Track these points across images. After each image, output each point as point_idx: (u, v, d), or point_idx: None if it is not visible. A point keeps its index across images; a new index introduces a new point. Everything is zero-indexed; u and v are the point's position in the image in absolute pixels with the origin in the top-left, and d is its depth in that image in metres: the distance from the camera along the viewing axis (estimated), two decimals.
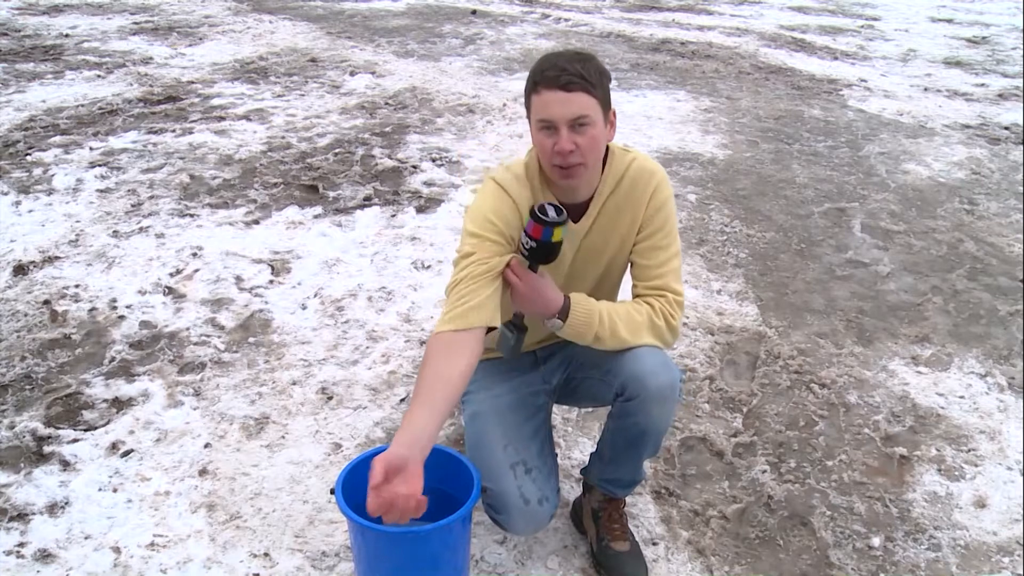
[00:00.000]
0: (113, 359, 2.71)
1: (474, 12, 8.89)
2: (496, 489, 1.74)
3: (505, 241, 1.71)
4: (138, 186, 4.06)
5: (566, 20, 8.76)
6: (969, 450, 2.44)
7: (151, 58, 6.58)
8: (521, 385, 1.92)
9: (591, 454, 1.99)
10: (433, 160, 4.49)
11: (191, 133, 4.81)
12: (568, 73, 1.59)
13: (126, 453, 2.29)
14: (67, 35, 7.27)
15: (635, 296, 1.80)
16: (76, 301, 3.04)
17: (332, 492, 1.70)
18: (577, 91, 1.59)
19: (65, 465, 2.24)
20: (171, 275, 3.24)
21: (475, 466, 1.81)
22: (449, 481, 1.80)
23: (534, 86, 1.64)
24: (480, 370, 1.97)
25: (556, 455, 1.93)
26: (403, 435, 1.48)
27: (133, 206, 3.84)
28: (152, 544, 1.99)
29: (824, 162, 4.75)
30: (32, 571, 1.91)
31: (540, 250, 1.65)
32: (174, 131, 4.85)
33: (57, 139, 4.64)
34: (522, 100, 1.75)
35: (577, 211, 1.77)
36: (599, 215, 1.78)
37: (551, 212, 1.63)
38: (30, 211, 3.76)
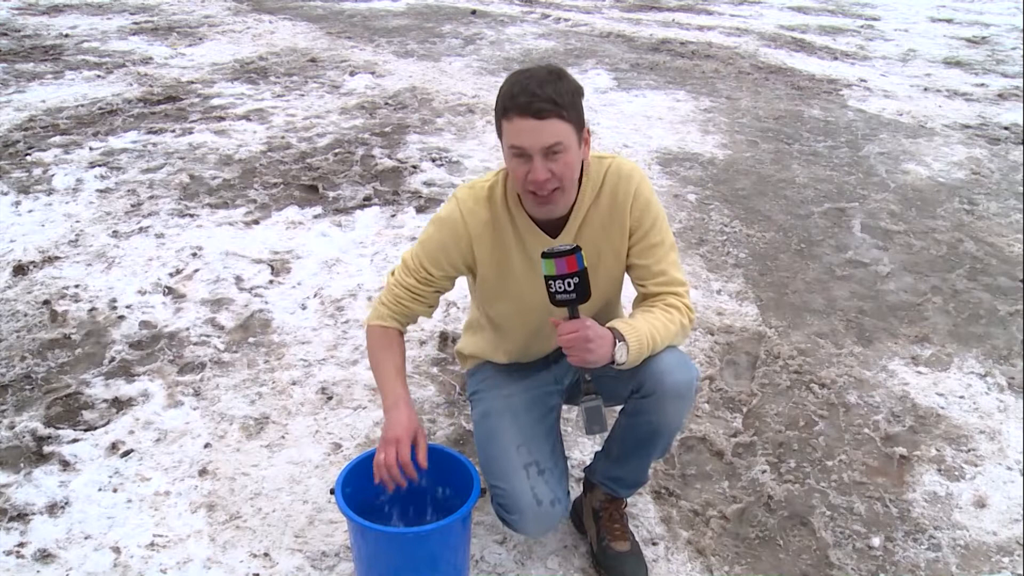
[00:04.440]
0: (113, 359, 2.71)
1: (474, 12, 8.89)
2: (508, 489, 1.74)
3: (437, 271, 1.79)
4: (138, 186, 4.06)
5: (566, 20, 8.76)
6: (969, 450, 2.44)
7: (151, 58, 6.58)
8: (532, 385, 1.91)
9: (596, 452, 1.99)
10: (433, 160, 4.49)
11: (191, 133, 4.81)
12: (540, 99, 1.53)
13: (126, 453, 2.29)
14: (67, 35, 7.26)
15: (644, 296, 1.79)
16: (76, 301, 3.04)
17: (332, 492, 1.70)
18: (550, 118, 1.53)
19: (65, 465, 2.24)
20: (171, 275, 3.24)
21: (485, 465, 1.80)
22: (449, 481, 1.81)
23: (504, 111, 1.58)
24: (489, 369, 1.97)
25: (566, 456, 1.93)
26: (403, 405, 1.72)
27: (133, 206, 3.84)
28: (152, 544, 1.99)
29: (824, 162, 4.75)
30: (32, 571, 1.91)
31: (583, 281, 1.58)
32: (174, 131, 4.84)
33: (57, 139, 4.64)
34: None
35: (555, 226, 1.74)
36: (582, 227, 1.74)
37: (560, 247, 1.59)
38: (30, 211, 3.76)
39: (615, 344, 1.61)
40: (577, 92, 1.61)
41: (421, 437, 1.68)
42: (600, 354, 1.59)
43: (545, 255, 1.59)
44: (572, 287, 1.59)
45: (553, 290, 1.60)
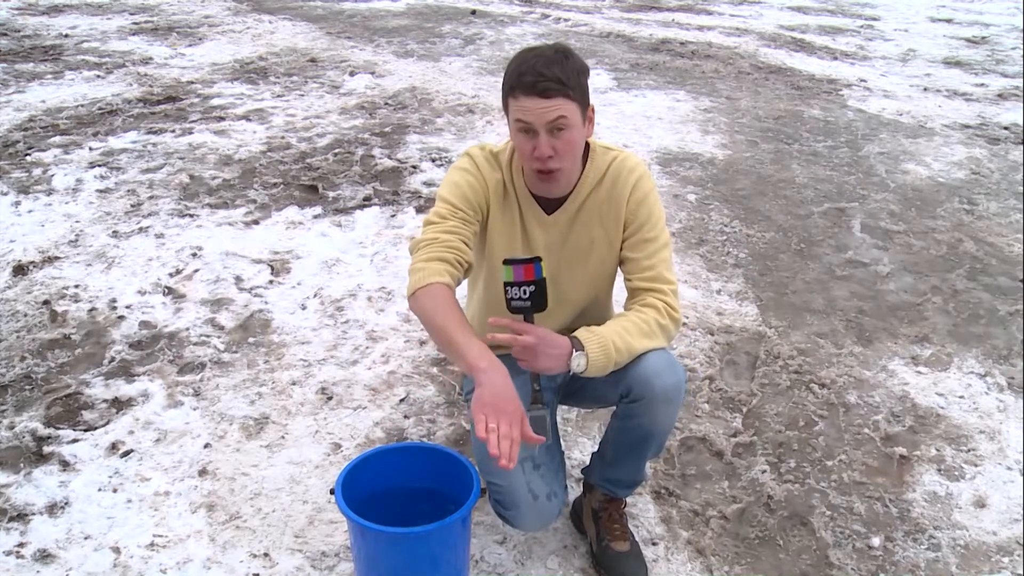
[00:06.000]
0: (113, 359, 2.71)
1: (474, 12, 8.89)
2: (505, 485, 1.74)
3: (473, 212, 1.74)
4: (138, 186, 4.05)
5: (566, 20, 8.76)
6: (969, 450, 2.44)
7: (151, 58, 6.58)
8: (527, 383, 1.92)
9: (592, 454, 1.99)
10: (433, 160, 4.49)
11: (191, 133, 4.81)
12: (546, 79, 1.57)
13: (126, 453, 2.29)
14: (67, 35, 7.26)
15: (630, 290, 1.80)
16: (76, 301, 3.04)
17: (332, 492, 1.70)
18: (555, 97, 1.58)
19: (65, 465, 2.24)
20: (171, 275, 3.24)
21: (481, 463, 1.81)
22: (449, 481, 1.80)
23: (511, 89, 1.63)
24: None
25: (563, 452, 1.93)
26: (502, 373, 1.53)
27: (133, 206, 3.84)
28: (152, 544, 1.99)
29: (824, 162, 4.75)
30: (32, 571, 1.91)
31: (539, 290, 1.61)
32: (174, 131, 4.84)
33: (57, 139, 4.64)
34: None
35: (553, 204, 1.79)
36: (579, 211, 1.78)
37: (521, 255, 1.63)
38: (30, 211, 3.76)
39: (572, 353, 1.61)
40: (583, 71, 1.64)
41: (525, 418, 1.53)
42: (550, 364, 1.60)
43: (505, 261, 1.63)
44: (528, 295, 1.61)
45: (509, 296, 1.63)
